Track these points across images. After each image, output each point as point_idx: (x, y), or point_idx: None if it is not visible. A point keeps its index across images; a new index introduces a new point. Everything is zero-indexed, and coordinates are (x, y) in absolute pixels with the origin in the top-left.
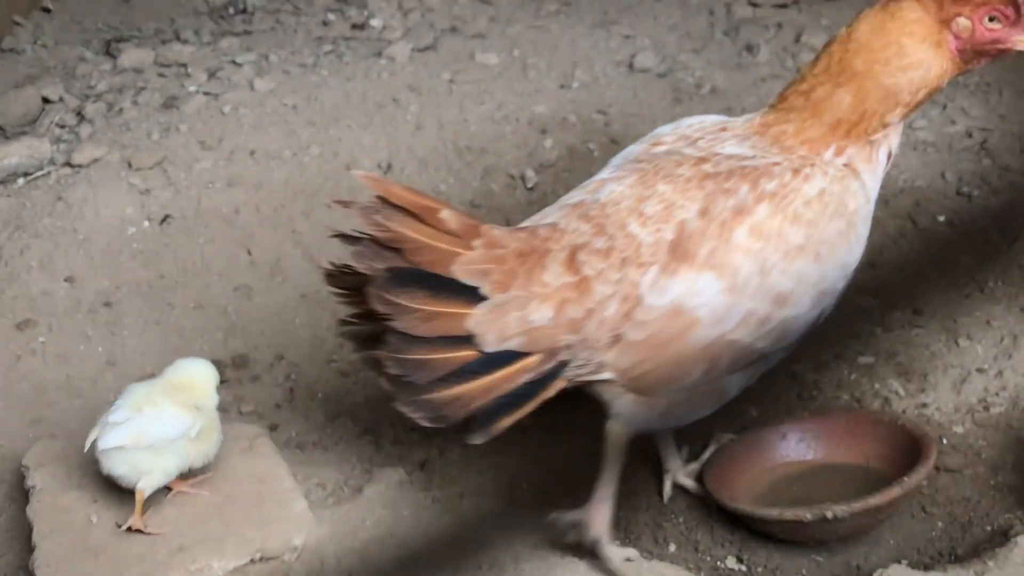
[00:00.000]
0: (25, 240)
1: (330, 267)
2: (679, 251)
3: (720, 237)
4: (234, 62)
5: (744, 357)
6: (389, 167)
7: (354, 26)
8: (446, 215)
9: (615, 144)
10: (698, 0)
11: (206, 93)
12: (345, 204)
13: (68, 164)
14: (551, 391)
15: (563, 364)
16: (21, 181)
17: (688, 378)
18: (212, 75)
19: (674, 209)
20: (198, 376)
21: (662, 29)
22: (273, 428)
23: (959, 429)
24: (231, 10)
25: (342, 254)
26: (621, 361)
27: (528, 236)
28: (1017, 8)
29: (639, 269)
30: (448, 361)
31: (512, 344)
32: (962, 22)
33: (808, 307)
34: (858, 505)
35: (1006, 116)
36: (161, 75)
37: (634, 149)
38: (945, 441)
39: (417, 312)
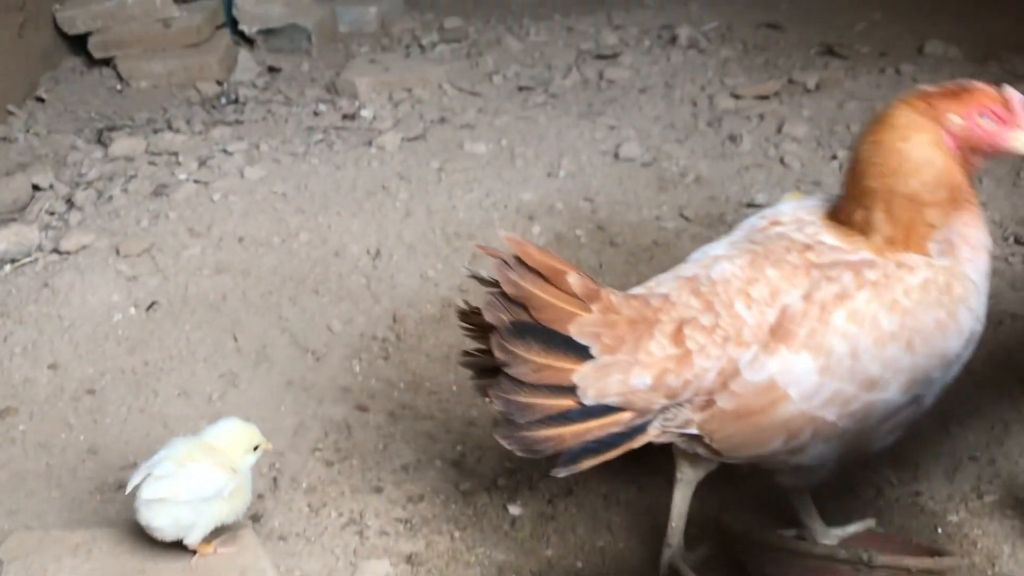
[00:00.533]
0: (9, 327)
1: (464, 306)
2: (780, 332)
3: (820, 319)
4: (225, 151)
5: (824, 435)
6: (378, 253)
7: (345, 116)
8: (572, 279)
9: (601, 230)
10: (681, 92)
11: (196, 181)
12: (491, 253)
13: (56, 251)
14: (638, 443)
15: (652, 420)
16: (8, 268)
17: (768, 447)
18: (203, 163)
19: (780, 294)
20: (236, 437)
21: (646, 120)
22: (256, 519)
23: (953, 518)
24: (223, 100)
25: (329, 339)
26: (709, 424)
27: (641, 305)
28: (1008, 107)
29: (739, 347)
30: (549, 407)
31: (610, 401)
32: (955, 119)
33: (896, 392)
34: (890, 559)
35: (986, 204)
36: (152, 163)
37: (755, 223)
38: (940, 531)
39: (530, 363)
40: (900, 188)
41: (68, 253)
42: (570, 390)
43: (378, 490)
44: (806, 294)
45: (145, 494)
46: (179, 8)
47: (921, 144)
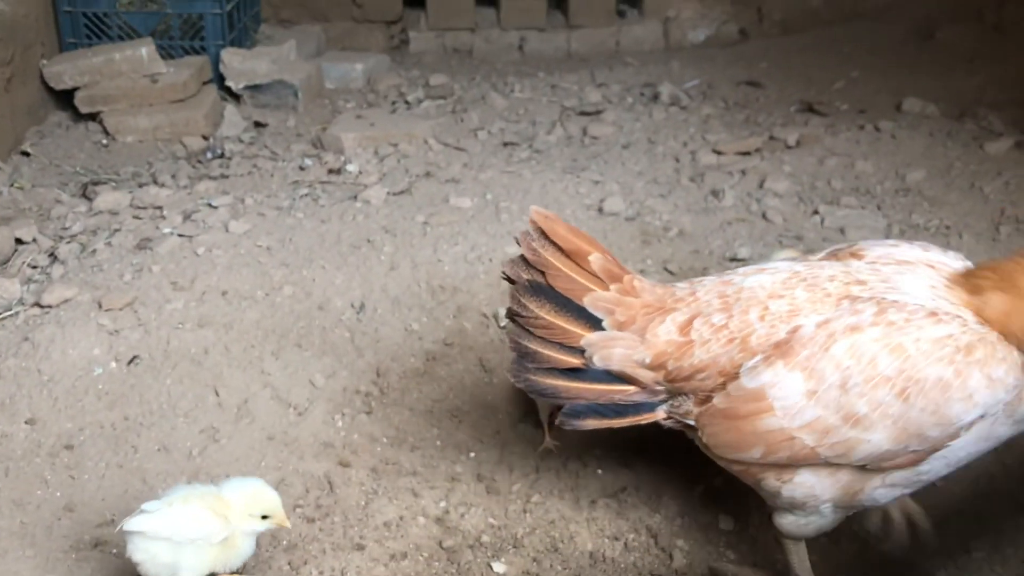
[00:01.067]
0: None
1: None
2: (784, 348)
3: (822, 345)
4: (210, 204)
5: (802, 459)
6: (362, 306)
7: (330, 171)
8: (594, 259)
9: None
10: (664, 148)
11: (180, 235)
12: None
13: (38, 304)
14: (645, 419)
15: (660, 402)
16: None
17: (747, 453)
18: (187, 217)
19: (799, 314)
20: (247, 496)
21: (630, 175)
22: (239, 574)
23: (940, 573)
24: (209, 155)
25: (311, 394)
26: (703, 418)
27: (665, 294)
28: None
29: (743, 353)
30: (557, 360)
31: (613, 368)
32: None
33: (883, 438)
34: None
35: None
36: (136, 217)
37: (835, 249)
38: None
39: (540, 319)
40: None
41: (50, 307)
42: (579, 351)
43: (360, 547)
44: (824, 320)
45: (126, 526)
46: (166, 64)
47: None
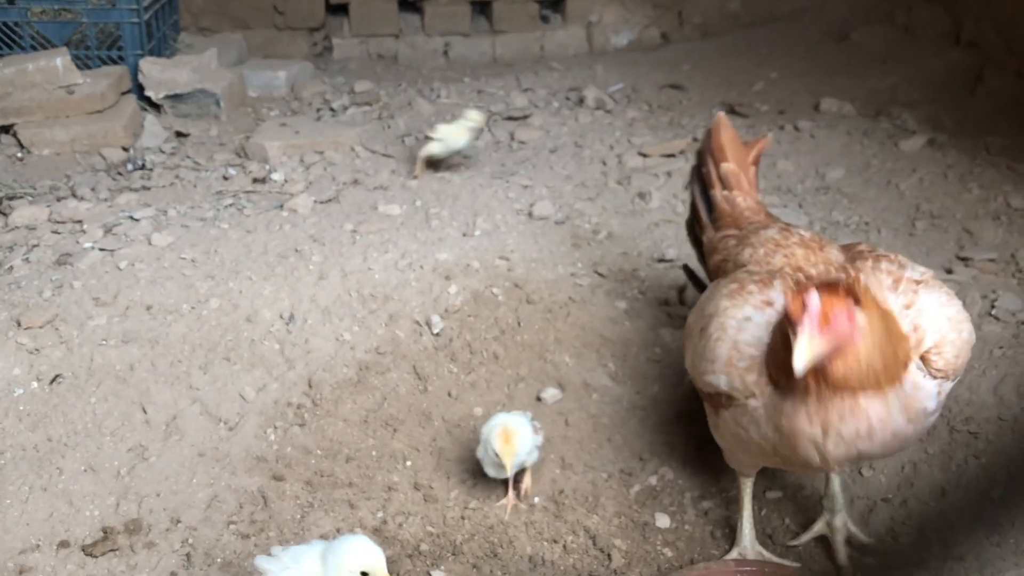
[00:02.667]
0: None
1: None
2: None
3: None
4: (132, 217)
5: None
6: (291, 317)
7: (255, 180)
8: (725, 167)
9: (518, 288)
10: (591, 151)
11: (102, 249)
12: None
13: None
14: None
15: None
16: None
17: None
18: (108, 231)
19: (771, 257)
20: (345, 555)
21: (558, 179)
22: None
23: (871, 561)
24: (130, 166)
25: (242, 408)
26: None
27: (740, 218)
28: (795, 302)
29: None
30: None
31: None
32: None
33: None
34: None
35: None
36: (55, 232)
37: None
38: (859, 574)
39: (692, 196)
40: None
41: None
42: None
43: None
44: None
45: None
46: (83, 75)
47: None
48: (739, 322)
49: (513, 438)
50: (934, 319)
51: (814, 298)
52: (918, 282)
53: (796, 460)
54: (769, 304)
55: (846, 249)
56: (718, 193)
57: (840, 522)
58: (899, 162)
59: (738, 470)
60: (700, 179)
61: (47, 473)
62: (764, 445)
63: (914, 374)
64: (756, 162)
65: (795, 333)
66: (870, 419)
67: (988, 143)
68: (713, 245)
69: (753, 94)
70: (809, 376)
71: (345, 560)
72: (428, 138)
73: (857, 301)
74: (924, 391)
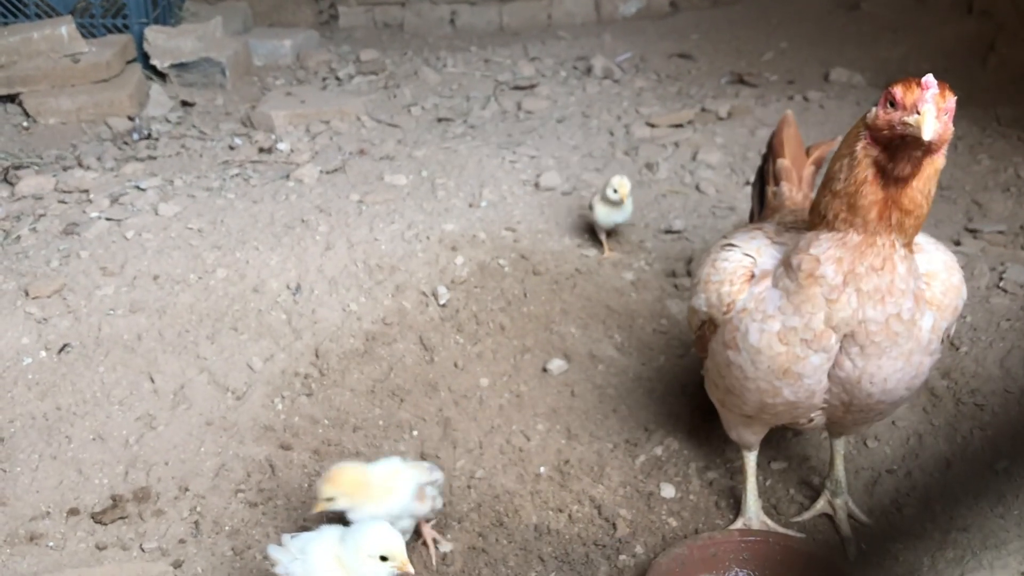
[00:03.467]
0: None
1: None
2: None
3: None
4: (138, 187)
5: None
6: (298, 288)
7: (261, 150)
8: (780, 162)
9: (524, 259)
10: (598, 122)
11: (108, 219)
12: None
13: None
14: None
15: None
16: None
17: None
18: (115, 200)
19: None
20: (364, 536)
21: (565, 149)
22: (177, 565)
23: (875, 531)
24: (136, 136)
25: (249, 377)
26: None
27: (779, 210)
28: (912, 89)
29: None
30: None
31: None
32: (872, 110)
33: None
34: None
35: None
36: (62, 202)
37: None
38: (864, 546)
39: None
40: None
41: None
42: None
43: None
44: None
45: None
46: (88, 43)
47: (853, 140)
48: (720, 248)
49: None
50: (931, 257)
51: (932, 80)
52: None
53: (781, 370)
54: (759, 230)
55: None
56: (769, 189)
57: (841, 502)
58: None
59: (740, 442)
60: (761, 178)
61: (56, 441)
62: (747, 369)
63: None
64: (818, 163)
65: (910, 107)
66: (892, 279)
67: (999, 114)
68: None
69: (762, 64)
70: (877, 201)
71: (365, 545)
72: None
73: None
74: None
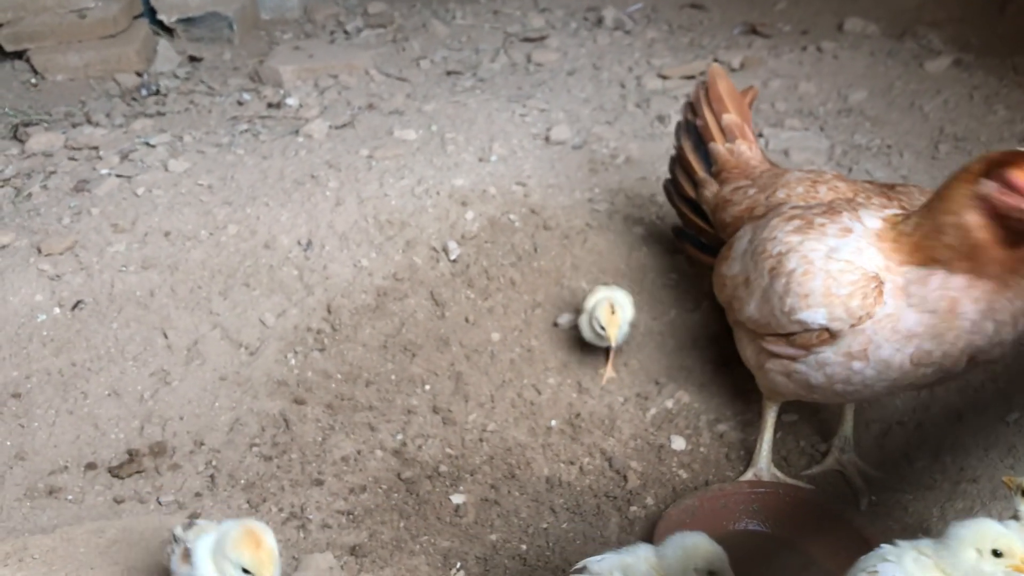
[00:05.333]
0: None
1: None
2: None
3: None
4: (147, 144)
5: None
6: (309, 243)
7: (270, 105)
8: (727, 118)
9: (535, 214)
10: (609, 74)
11: (119, 175)
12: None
13: None
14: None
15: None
16: None
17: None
18: (125, 157)
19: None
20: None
21: (576, 102)
22: (194, 517)
23: (884, 482)
24: (144, 92)
25: (262, 333)
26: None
27: (747, 168)
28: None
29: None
30: (683, 187)
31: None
32: (985, 183)
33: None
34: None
35: (908, 176)
36: (72, 159)
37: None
38: (873, 498)
39: (680, 149)
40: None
41: None
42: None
43: (319, 483)
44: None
45: None
46: None
47: (960, 197)
48: (826, 252)
49: (618, 311)
50: None
51: None
52: None
53: (906, 382)
54: (848, 231)
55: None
56: (720, 146)
57: (848, 459)
58: (923, 83)
59: (769, 397)
60: (694, 133)
61: (72, 397)
62: (869, 377)
63: None
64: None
65: None
66: (1019, 307)
67: (1016, 63)
68: (724, 198)
69: (776, 13)
70: (1000, 258)
71: (689, 558)
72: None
73: None
74: None
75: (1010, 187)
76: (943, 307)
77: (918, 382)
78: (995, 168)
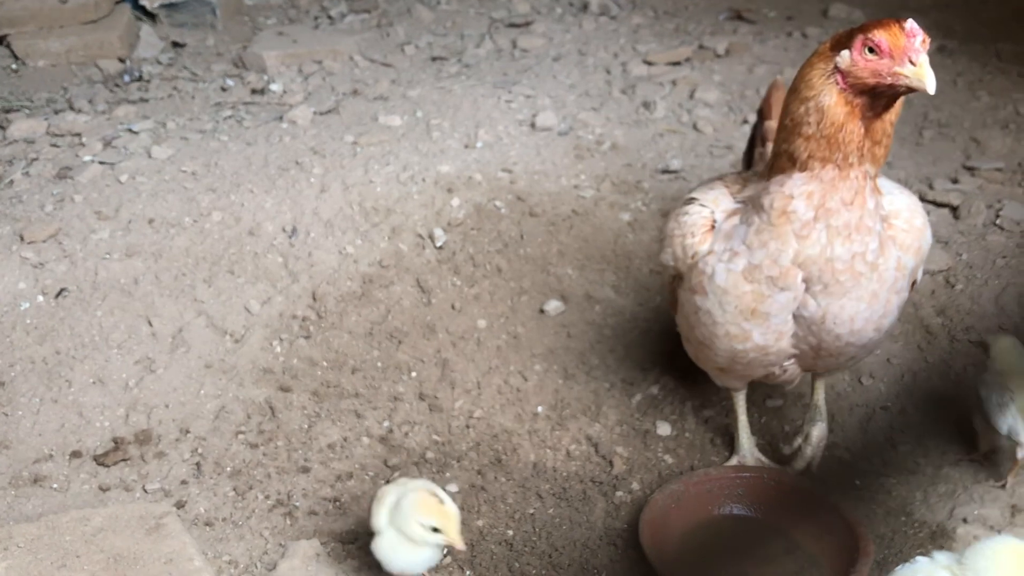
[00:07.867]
0: None
1: None
2: None
3: None
4: (130, 130)
5: None
6: (294, 230)
7: (254, 91)
8: (768, 124)
9: (521, 201)
10: (595, 60)
11: (102, 162)
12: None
13: None
14: None
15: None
16: None
17: None
18: (108, 144)
19: None
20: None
21: (561, 88)
22: (180, 505)
23: (867, 467)
24: (127, 78)
25: (247, 320)
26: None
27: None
28: (899, 36)
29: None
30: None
31: None
32: (844, 55)
33: None
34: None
35: (891, 162)
36: (54, 145)
37: None
38: (858, 482)
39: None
40: (792, 108)
41: None
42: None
43: (305, 470)
44: None
45: None
46: None
47: (820, 77)
48: (683, 204)
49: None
50: (894, 199)
51: (917, 26)
52: None
53: (748, 310)
54: (719, 180)
55: None
56: (757, 151)
57: (818, 432)
58: None
59: (725, 386)
60: (752, 140)
61: (56, 385)
62: (716, 314)
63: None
64: None
65: (898, 56)
66: (861, 215)
67: (999, 50)
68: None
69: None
70: (859, 135)
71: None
72: None
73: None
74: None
75: (874, 49)
76: (775, 211)
77: (773, 322)
78: (852, 37)
